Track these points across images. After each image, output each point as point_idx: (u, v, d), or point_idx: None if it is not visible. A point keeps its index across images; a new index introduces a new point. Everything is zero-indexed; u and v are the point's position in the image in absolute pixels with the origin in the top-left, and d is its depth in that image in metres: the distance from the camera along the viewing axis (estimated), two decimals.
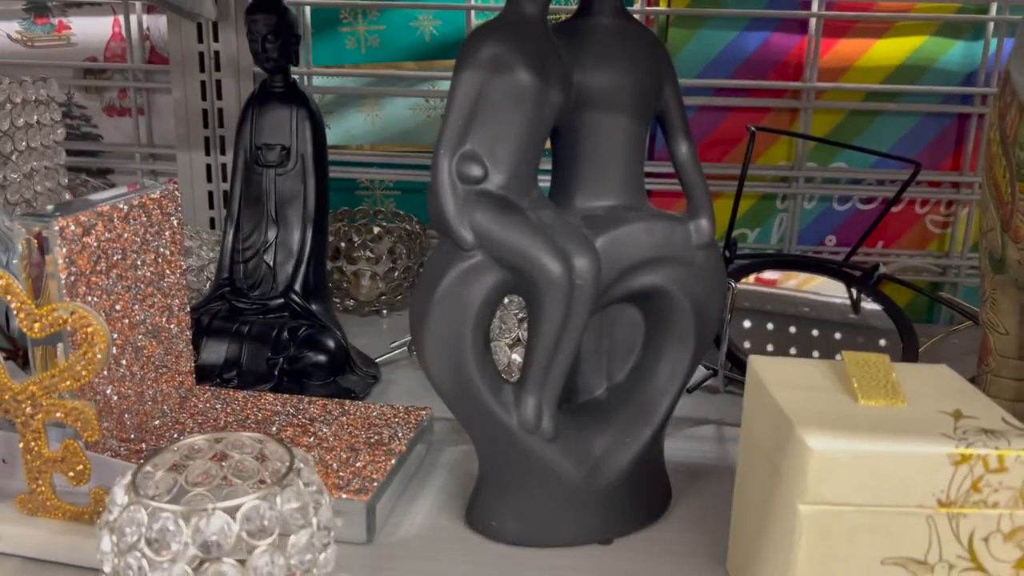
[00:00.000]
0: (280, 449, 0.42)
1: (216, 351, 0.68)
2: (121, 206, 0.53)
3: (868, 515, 0.36)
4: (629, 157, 0.49)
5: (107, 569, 0.38)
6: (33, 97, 0.76)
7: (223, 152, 0.94)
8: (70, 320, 0.44)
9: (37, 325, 0.45)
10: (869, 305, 0.77)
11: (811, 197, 0.93)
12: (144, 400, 0.57)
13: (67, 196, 0.81)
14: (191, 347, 0.63)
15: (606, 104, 0.48)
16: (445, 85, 0.95)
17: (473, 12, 0.91)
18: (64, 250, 0.49)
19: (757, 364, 0.44)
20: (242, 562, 0.37)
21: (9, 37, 0.98)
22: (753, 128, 0.78)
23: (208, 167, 0.94)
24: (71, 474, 0.47)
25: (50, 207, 0.50)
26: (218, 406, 0.61)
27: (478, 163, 0.45)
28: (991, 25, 0.86)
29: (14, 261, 0.60)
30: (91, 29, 0.98)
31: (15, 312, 0.45)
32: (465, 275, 0.46)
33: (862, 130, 0.91)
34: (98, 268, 0.52)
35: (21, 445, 0.47)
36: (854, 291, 0.77)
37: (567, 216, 0.48)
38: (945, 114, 0.90)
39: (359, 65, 0.97)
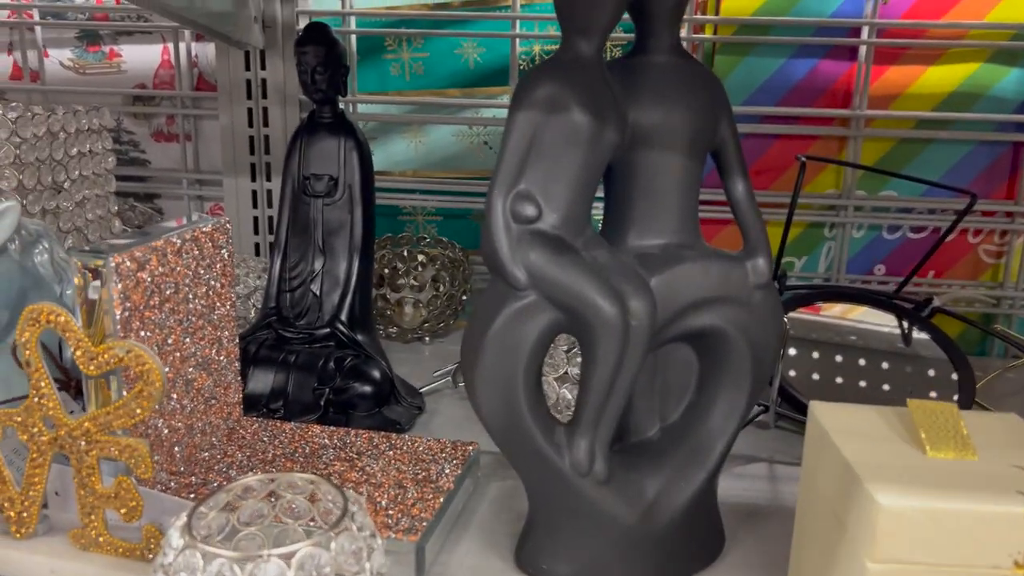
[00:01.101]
0: (333, 491, 0.42)
1: (263, 381, 0.68)
2: (174, 240, 0.54)
3: (941, 575, 0.35)
4: (684, 195, 0.49)
5: None
6: (86, 127, 0.77)
7: (269, 178, 0.94)
8: (126, 358, 0.44)
9: (94, 363, 0.45)
10: (918, 335, 0.75)
11: (860, 226, 0.92)
12: (194, 432, 0.58)
13: (116, 223, 0.82)
14: (239, 378, 0.63)
15: (661, 142, 0.48)
16: (488, 112, 0.95)
17: (518, 40, 0.91)
18: (119, 286, 0.49)
19: (819, 411, 0.43)
20: None
21: (62, 64, 1.00)
22: (803, 158, 0.77)
23: (254, 193, 0.95)
24: (123, 511, 0.47)
25: (108, 241, 0.51)
26: (265, 438, 0.61)
27: (532, 203, 0.45)
28: None
29: (68, 292, 0.61)
30: (141, 56, 0.99)
31: (72, 349, 0.45)
32: (518, 315, 0.45)
33: (912, 158, 0.89)
34: (151, 303, 0.52)
35: (75, 481, 0.47)
36: (906, 324, 0.75)
37: (621, 255, 0.47)
38: (999, 142, 0.88)
39: (403, 92, 0.97)
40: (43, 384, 0.46)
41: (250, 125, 0.93)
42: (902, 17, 0.86)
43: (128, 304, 0.50)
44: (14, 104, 0.72)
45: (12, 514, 0.49)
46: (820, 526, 0.41)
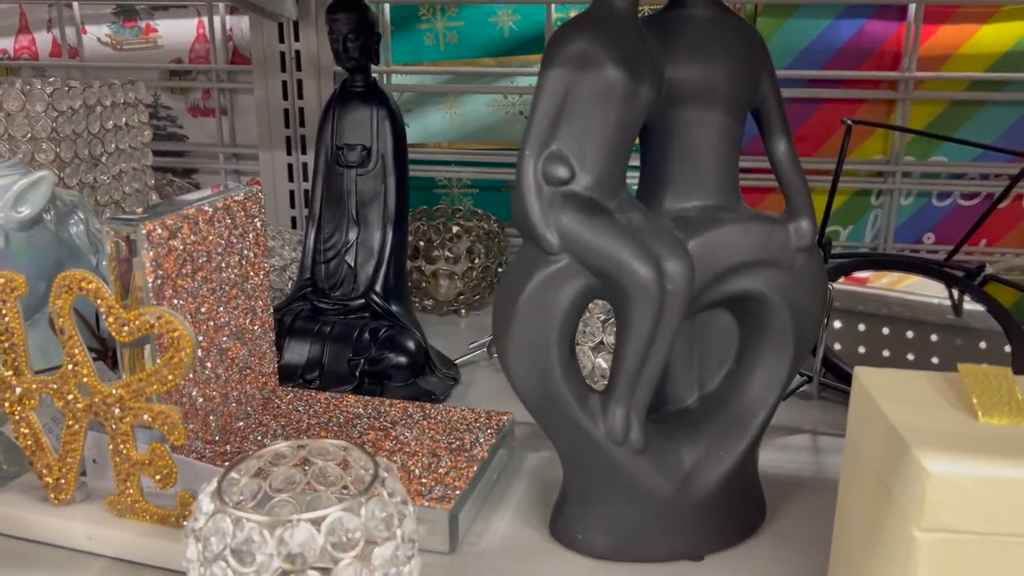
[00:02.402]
0: (364, 457, 0.41)
1: (299, 352, 0.68)
2: (206, 209, 0.53)
3: (993, 544, 0.33)
4: (723, 155, 0.47)
5: None
6: (122, 100, 0.77)
7: (304, 151, 0.94)
8: (157, 324, 0.44)
9: (126, 329, 0.45)
10: (968, 306, 0.72)
11: (908, 193, 0.89)
12: (228, 402, 0.58)
13: (154, 197, 0.83)
14: (274, 348, 0.63)
15: (698, 99, 0.46)
16: (524, 81, 0.94)
17: (553, 6, 0.89)
18: (151, 253, 0.49)
19: (864, 376, 0.41)
20: (327, 572, 0.36)
21: (99, 40, 1.01)
22: (849, 121, 0.74)
23: (290, 166, 0.95)
24: (158, 477, 0.47)
25: (138, 210, 0.51)
26: (300, 408, 0.61)
27: (565, 164, 0.43)
28: None
29: (103, 262, 0.61)
30: (177, 31, 0.99)
31: (104, 316, 0.45)
32: (550, 280, 0.44)
33: (964, 121, 0.86)
34: (184, 271, 0.52)
35: (111, 447, 0.47)
36: (956, 293, 0.72)
37: (657, 218, 0.46)
38: None
39: (438, 62, 0.96)
40: (77, 351, 0.47)
41: (284, 98, 0.93)
42: None
43: (160, 272, 0.50)
44: (51, 79, 0.72)
45: (50, 480, 0.49)
46: (865, 496, 0.39)
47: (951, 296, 0.73)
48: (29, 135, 0.68)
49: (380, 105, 0.71)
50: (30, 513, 0.49)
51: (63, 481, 0.49)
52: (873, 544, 0.38)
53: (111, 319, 0.45)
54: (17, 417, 0.48)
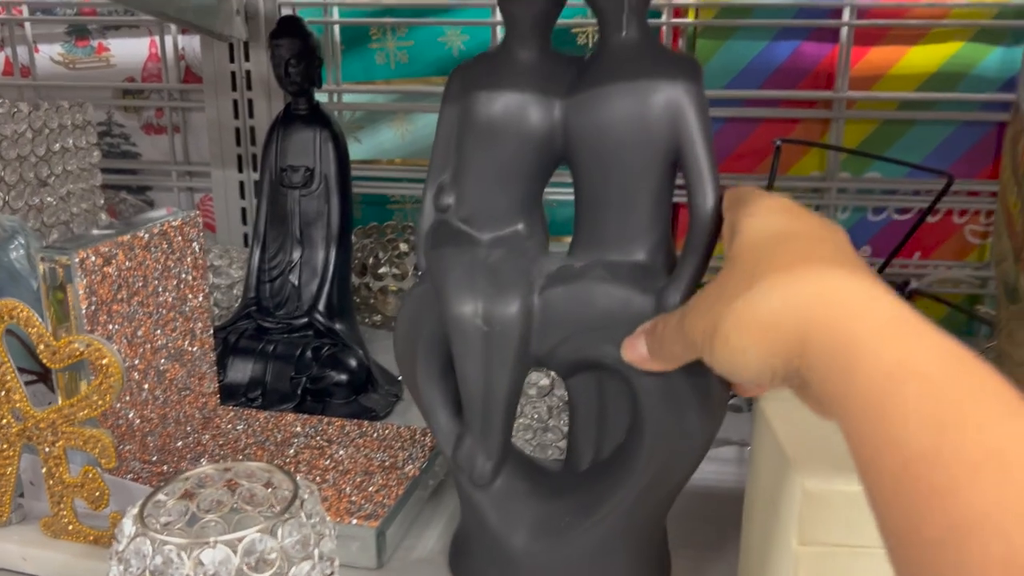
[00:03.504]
0: (286, 479, 0.43)
1: (242, 370, 0.69)
2: (141, 235, 0.55)
3: (864, 557, 0.35)
4: (628, 206, 0.42)
5: None
6: (69, 122, 0.78)
7: (255, 169, 0.95)
8: (86, 352, 0.45)
9: (56, 356, 0.46)
10: None
11: (844, 208, 0.92)
12: (167, 422, 0.59)
13: (103, 216, 0.84)
14: (215, 368, 0.64)
15: (598, 147, 0.42)
16: None
17: (498, 28, 0.91)
18: (84, 281, 0.50)
19: (764, 401, 0.43)
20: None
21: (52, 59, 1.01)
22: (779, 142, 0.77)
23: (241, 184, 0.96)
24: (90, 500, 0.48)
25: (77, 236, 0.52)
26: (240, 427, 0.62)
27: (449, 194, 0.45)
28: None
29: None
30: (129, 50, 1.00)
31: (35, 343, 0.46)
32: (418, 301, 0.46)
33: (896, 139, 0.89)
34: (119, 296, 0.53)
35: (44, 471, 0.48)
36: None
37: (524, 261, 0.44)
38: (983, 122, 0.87)
39: (389, 81, 0.98)
40: (9, 378, 0.48)
41: (236, 117, 0.94)
42: None
43: (95, 298, 0.51)
44: (1, 100, 0.73)
45: None
46: (761, 510, 0.41)
47: None
48: None
49: (323, 127, 0.73)
50: None
51: None
52: (766, 556, 0.40)
53: (42, 347, 0.46)
54: None
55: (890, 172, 0.90)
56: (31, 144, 0.73)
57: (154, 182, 1.04)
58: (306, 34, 0.71)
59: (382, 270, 0.85)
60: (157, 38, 0.99)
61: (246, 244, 0.98)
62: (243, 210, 0.97)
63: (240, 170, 0.96)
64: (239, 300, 0.82)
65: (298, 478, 0.41)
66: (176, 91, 1.00)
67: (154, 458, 0.57)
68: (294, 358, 0.69)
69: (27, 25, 0.99)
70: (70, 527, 0.49)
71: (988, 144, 0.89)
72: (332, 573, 0.41)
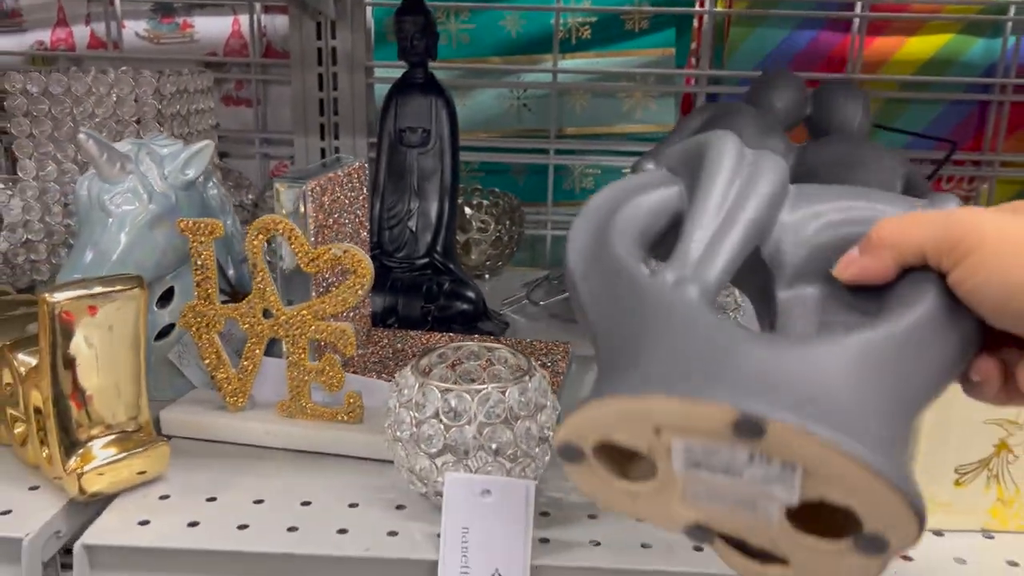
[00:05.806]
0: (512, 356, 0.55)
1: (376, 302, 0.80)
2: (340, 173, 0.66)
3: None
4: None
5: (406, 436, 0.50)
6: (195, 87, 0.87)
7: (337, 137, 1.06)
8: (343, 256, 0.56)
9: (314, 263, 0.57)
10: None
11: None
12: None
13: (218, 174, 0.93)
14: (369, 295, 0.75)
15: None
16: (528, 77, 1.08)
17: (560, 13, 1.04)
18: (312, 205, 0.61)
19: None
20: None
21: (137, 35, 1.10)
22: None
23: (322, 151, 1.06)
24: (329, 383, 0.59)
25: (303, 169, 0.63)
26: (399, 343, 0.73)
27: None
28: (1009, 25, 1.00)
29: (227, 222, 0.72)
30: (212, 27, 1.09)
31: (295, 251, 0.57)
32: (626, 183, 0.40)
33: (898, 116, 1.05)
34: (329, 222, 0.64)
35: (288, 360, 0.59)
36: None
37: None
38: (968, 101, 1.04)
39: (450, 60, 1.09)
40: (265, 283, 0.58)
41: (320, 89, 1.04)
42: None
43: (318, 219, 0.62)
44: (124, 69, 0.81)
45: (229, 389, 0.60)
46: None
47: None
48: (136, 117, 0.78)
49: (438, 95, 0.84)
50: (211, 418, 0.61)
51: (240, 391, 0.61)
52: None
53: (301, 254, 0.57)
54: (204, 338, 0.60)
55: (891, 144, 1.06)
56: (179, 104, 0.82)
57: (233, 149, 1.13)
58: (427, 11, 0.82)
59: (469, 223, 0.97)
60: (240, 16, 1.08)
61: None
62: None
63: (322, 138, 1.06)
64: None
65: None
66: (258, 66, 1.09)
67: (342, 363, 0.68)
68: (422, 290, 0.81)
69: (117, 1, 1.07)
70: (307, 407, 0.60)
71: (971, 121, 1.05)
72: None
